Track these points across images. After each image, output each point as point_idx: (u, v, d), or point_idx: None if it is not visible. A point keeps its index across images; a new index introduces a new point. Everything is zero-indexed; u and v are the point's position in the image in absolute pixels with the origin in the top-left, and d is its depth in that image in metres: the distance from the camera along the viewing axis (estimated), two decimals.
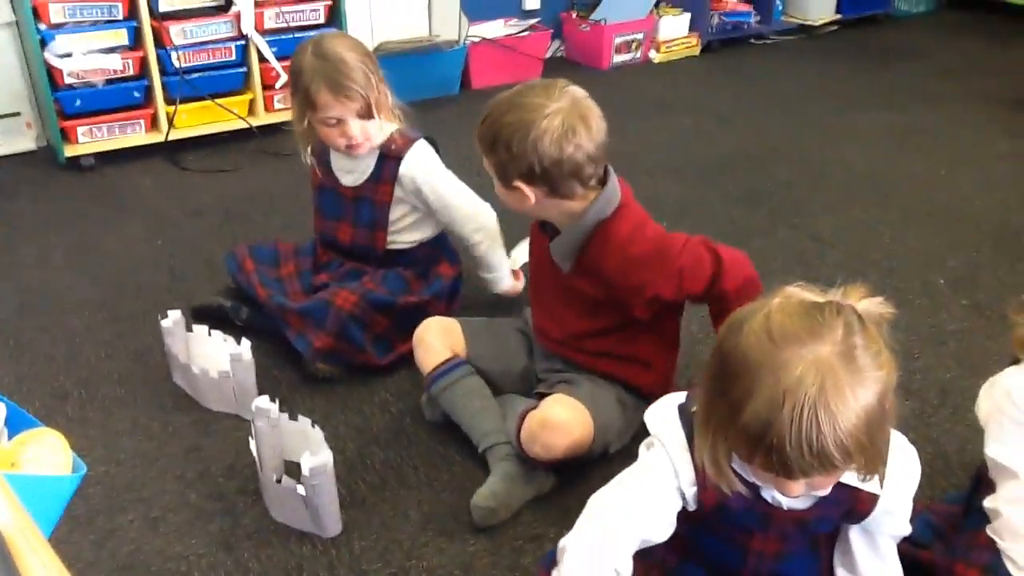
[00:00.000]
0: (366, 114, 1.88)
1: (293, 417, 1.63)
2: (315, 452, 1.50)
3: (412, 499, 1.65)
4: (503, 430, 1.67)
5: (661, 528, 1.16)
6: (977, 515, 1.37)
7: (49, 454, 0.81)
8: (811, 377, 0.92)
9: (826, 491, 1.09)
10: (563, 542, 1.15)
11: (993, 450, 1.27)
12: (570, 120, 1.48)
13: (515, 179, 1.53)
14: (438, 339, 1.77)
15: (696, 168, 3.02)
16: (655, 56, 4.15)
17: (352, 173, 2.02)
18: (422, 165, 1.98)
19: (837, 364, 0.93)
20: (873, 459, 0.99)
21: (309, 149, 2.05)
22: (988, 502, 1.29)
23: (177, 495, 1.66)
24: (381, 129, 1.94)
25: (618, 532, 1.14)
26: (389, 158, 1.97)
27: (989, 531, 1.29)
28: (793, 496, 1.04)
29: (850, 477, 1.07)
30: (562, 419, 1.57)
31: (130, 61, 2.92)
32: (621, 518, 1.15)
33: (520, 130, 1.48)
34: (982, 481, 1.44)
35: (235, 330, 1.98)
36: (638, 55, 4.11)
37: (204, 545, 1.55)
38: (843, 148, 3.17)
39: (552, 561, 1.18)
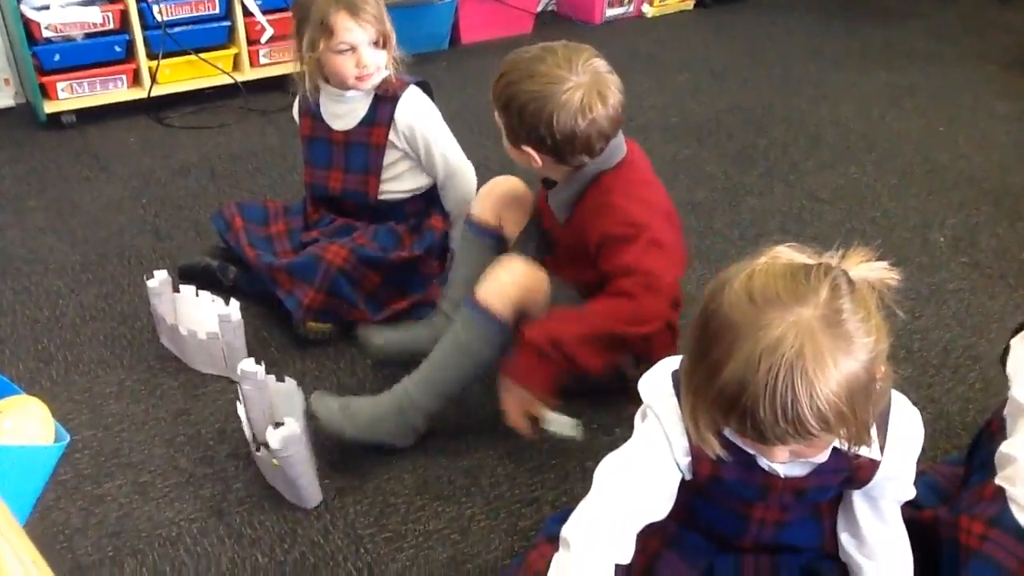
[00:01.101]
0: (379, 43, 1.87)
1: (280, 379, 1.59)
2: (290, 420, 1.46)
3: (407, 462, 1.62)
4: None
5: (661, 504, 1.13)
6: (980, 470, 1.35)
7: (30, 423, 0.77)
8: (790, 340, 0.88)
9: (818, 458, 1.06)
10: (565, 532, 1.12)
11: (1019, 392, 1.25)
12: (589, 97, 1.48)
13: (524, 143, 1.53)
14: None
15: (690, 125, 2.97)
16: (648, 10, 4.07)
17: (343, 118, 1.97)
18: (417, 107, 1.95)
19: (819, 328, 0.89)
20: (858, 430, 0.95)
21: (297, 101, 2.01)
22: (1004, 447, 1.27)
23: (166, 460, 1.63)
24: (387, 65, 1.92)
25: (618, 520, 1.11)
26: (384, 99, 1.94)
27: (999, 479, 1.26)
28: (778, 462, 1.00)
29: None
30: (519, 266, 1.57)
31: (110, 14, 2.83)
32: (622, 504, 1.11)
33: (537, 100, 1.48)
34: (983, 437, 1.43)
35: (223, 291, 1.94)
36: (631, 9, 4.03)
37: (195, 511, 1.52)
38: (839, 107, 3.12)
39: (552, 534, 1.15)
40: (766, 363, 0.88)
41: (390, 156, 1.97)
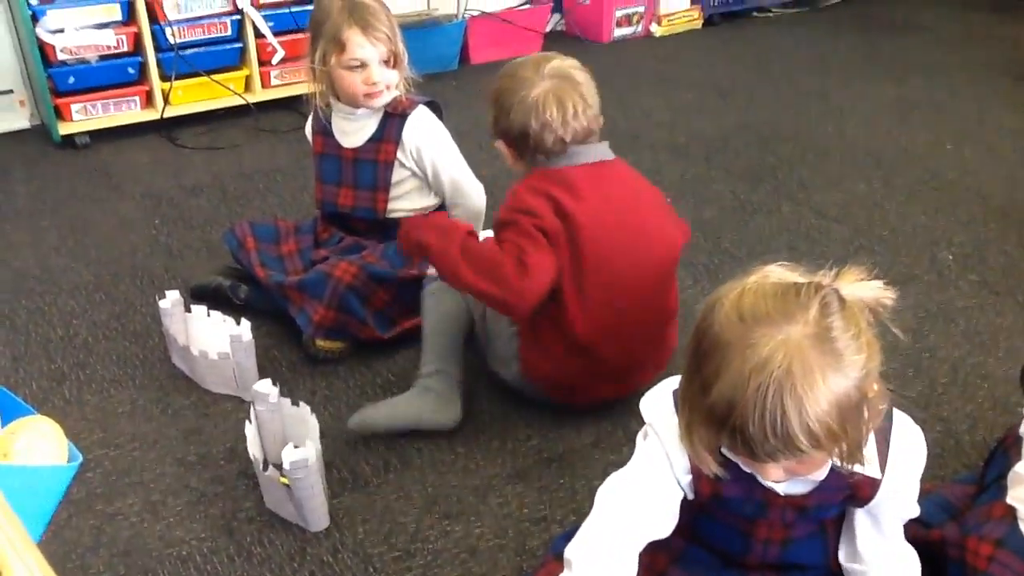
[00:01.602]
0: (389, 62, 1.91)
1: (295, 403, 1.60)
2: (308, 442, 1.47)
3: (416, 481, 1.63)
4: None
5: (664, 523, 1.14)
6: (992, 489, 1.35)
7: (43, 443, 0.78)
8: (779, 358, 0.89)
9: (816, 476, 1.06)
10: (568, 553, 1.13)
11: None
12: (544, 100, 1.57)
13: (497, 136, 1.67)
14: None
15: (698, 143, 2.99)
16: (656, 30, 4.09)
17: (353, 135, 2.00)
18: (425, 127, 1.98)
19: (808, 346, 0.89)
20: (850, 448, 0.95)
21: (310, 120, 2.06)
22: (1020, 467, 1.26)
23: (177, 479, 1.64)
24: (398, 85, 1.95)
25: (620, 539, 1.12)
26: (393, 117, 1.96)
27: (1010, 499, 1.26)
28: (772, 480, 1.00)
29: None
30: None
31: (124, 37, 2.87)
32: (624, 524, 1.12)
33: (505, 95, 1.61)
34: (996, 454, 1.42)
35: (234, 310, 1.95)
36: (639, 28, 4.06)
37: (205, 529, 1.53)
38: (847, 122, 3.13)
39: (559, 552, 1.16)
40: (755, 381, 0.89)
41: (398, 174, 1.99)
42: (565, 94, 1.57)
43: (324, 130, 2.03)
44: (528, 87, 1.57)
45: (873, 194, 2.63)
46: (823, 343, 0.90)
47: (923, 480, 1.59)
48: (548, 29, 3.95)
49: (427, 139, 1.97)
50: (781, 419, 0.88)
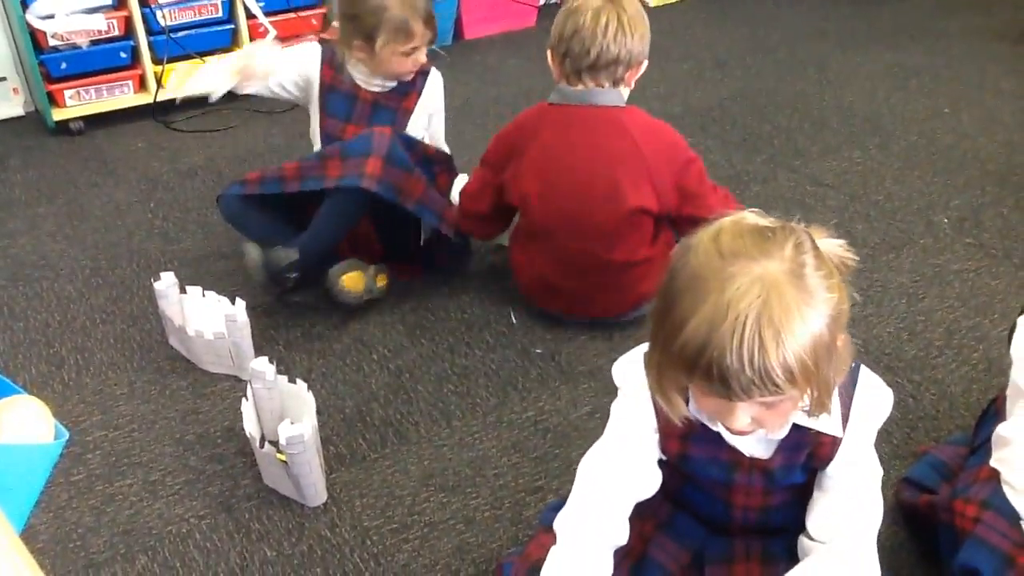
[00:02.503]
0: (430, 42, 2.06)
1: (291, 380, 1.61)
2: (305, 418, 1.48)
3: (412, 455, 1.64)
4: None
5: (648, 482, 1.15)
6: (980, 451, 1.35)
7: (29, 421, 0.78)
8: (756, 290, 0.89)
9: (778, 434, 1.06)
10: (556, 525, 1.14)
11: (1019, 374, 1.26)
12: (585, 8, 1.75)
13: (548, 49, 1.84)
14: None
15: (694, 114, 2.97)
16: (652, 0, 4.06)
17: (376, 85, 2.10)
18: (439, 85, 2.18)
19: (784, 280, 0.90)
20: (819, 391, 0.95)
21: (320, 51, 2.14)
22: (1001, 428, 1.27)
23: (176, 458, 1.65)
24: None
25: (605, 507, 1.12)
26: (417, 73, 2.10)
27: (993, 461, 1.27)
28: (738, 428, 0.99)
29: (807, 419, 1.04)
30: None
31: (114, 21, 2.86)
32: (606, 490, 1.13)
33: (564, 5, 1.83)
34: (988, 415, 1.43)
35: (230, 290, 1.96)
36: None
37: (204, 507, 1.55)
38: (843, 90, 3.11)
39: (549, 523, 1.17)
40: (733, 312, 0.88)
41: (412, 126, 2.12)
42: (606, 12, 1.72)
43: (338, 66, 2.08)
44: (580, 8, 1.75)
45: (870, 161, 2.62)
46: (798, 279, 0.91)
47: (918, 442, 1.61)
48: (543, 2, 3.92)
49: (438, 95, 2.16)
50: (759, 350, 0.88)
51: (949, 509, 1.28)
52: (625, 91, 1.86)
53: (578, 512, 1.13)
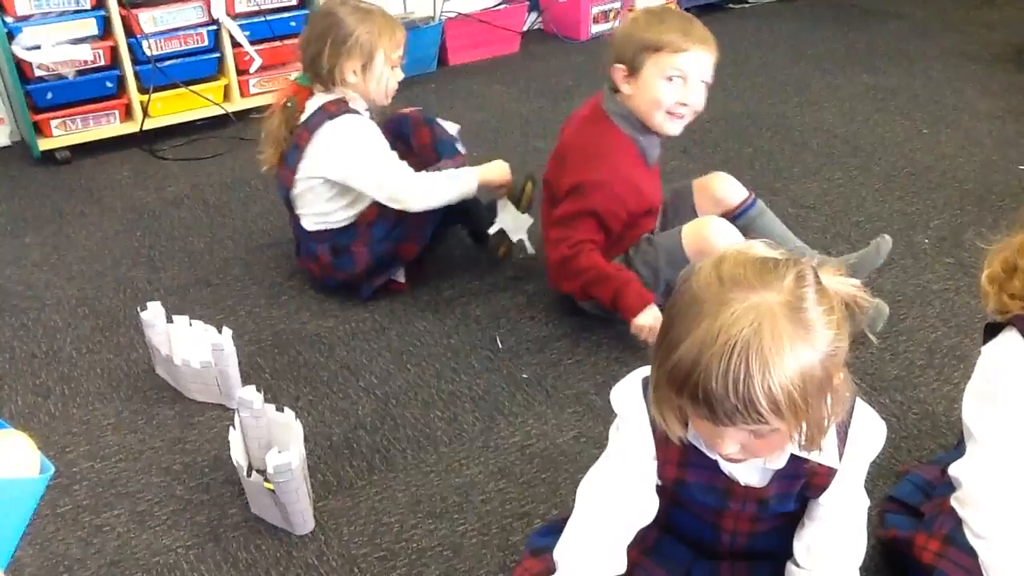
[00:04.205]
0: None
1: (279, 408, 1.61)
2: (292, 446, 1.48)
3: (400, 482, 1.64)
4: None
5: (647, 508, 1.16)
6: (947, 481, 1.36)
7: (13, 456, 0.79)
8: (750, 318, 0.90)
9: (774, 464, 1.07)
10: (556, 554, 1.14)
11: (966, 413, 1.27)
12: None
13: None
14: None
15: (676, 137, 2.98)
16: None
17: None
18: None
19: (779, 312, 0.91)
20: (810, 428, 0.96)
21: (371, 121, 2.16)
22: (952, 469, 1.28)
23: (163, 488, 1.65)
24: None
25: (605, 534, 1.13)
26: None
27: (952, 499, 1.28)
28: (727, 454, 1.00)
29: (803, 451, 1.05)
30: None
31: (100, 51, 2.88)
32: (607, 517, 1.14)
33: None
34: (963, 438, 1.44)
35: (216, 319, 1.97)
36: (616, 24, 4.07)
37: (192, 537, 1.55)
38: (823, 112, 3.15)
39: (535, 548, 1.18)
40: (723, 337, 0.89)
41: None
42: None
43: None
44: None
45: (850, 182, 2.65)
46: (795, 312, 0.91)
47: (902, 462, 1.62)
48: (525, 28, 3.96)
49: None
50: (744, 377, 0.89)
51: (911, 543, 1.30)
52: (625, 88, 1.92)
53: (579, 540, 1.14)
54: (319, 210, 2.10)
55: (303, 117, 2.06)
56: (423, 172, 2.06)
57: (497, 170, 2.13)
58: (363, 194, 2.06)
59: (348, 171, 2.03)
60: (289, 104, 2.10)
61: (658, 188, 2.07)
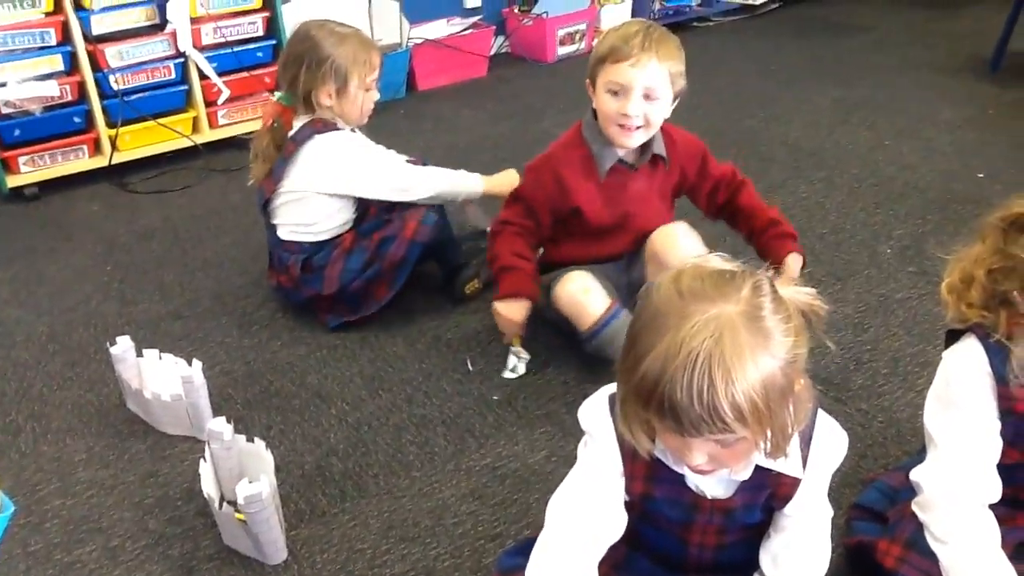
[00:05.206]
0: None
1: (250, 439, 1.62)
2: (263, 476, 1.49)
3: (372, 507, 1.65)
4: None
5: (616, 524, 1.17)
6: (909, 487, 1.38)
7: None
8: (710, 329, 0.92)
9: (740, 475, 1.09)
10: (528, 574, 1.15)
11: (927, 418, 1.30)
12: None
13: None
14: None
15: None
16: None
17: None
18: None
19: (739, 322, 0.93)
20: (774, 435, 0.98)
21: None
22: (913, 474, 1.30)
23: (136, 523, 1.65)
24: None
25: (576, 552, 1.14)
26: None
27: (913, 504, 1.30)
28: (695, 465, 1.02)
29: (768, 461, 1.07)
30: None
31: (68, 87, 2.88)
32: (576, 535, 1.15)
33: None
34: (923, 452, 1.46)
35: (187, 351, 1.97)
36: (582, 46, 4.12)
37: (165, 571, 1.54)
38: (790, 126, 3.20)
39: (504, 568, 1.18)
40: (686, 349, 0.91)
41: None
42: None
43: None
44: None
45: (815, 194, 2.69)
46: (753, 321, 0.94)
47: (868, 469, 1.64)
48: (493, 52, 4.00)
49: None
50: (708, 387, 0.91)
51: (874, 548, 1.31)
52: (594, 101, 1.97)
53: (549, 558, 1.15)
54: (298, 220, 2.15)
55: (291, 133, 2.12)
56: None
57: (506, 180, 2.19)
58: (351, 201, 2.17)
59: (352, 184, 2.12)
60: (276, 124, 2.13)
61: (617, 204, 2.02)
